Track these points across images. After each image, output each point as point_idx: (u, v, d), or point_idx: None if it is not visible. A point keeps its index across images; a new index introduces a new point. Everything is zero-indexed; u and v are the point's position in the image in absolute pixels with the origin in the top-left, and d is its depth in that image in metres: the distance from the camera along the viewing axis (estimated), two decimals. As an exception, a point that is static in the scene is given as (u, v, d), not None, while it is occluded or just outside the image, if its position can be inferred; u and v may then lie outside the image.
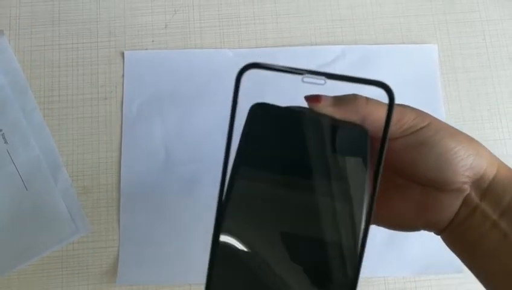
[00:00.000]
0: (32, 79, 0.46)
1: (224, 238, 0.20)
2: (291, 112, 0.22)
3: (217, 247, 0.20)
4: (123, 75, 0.46)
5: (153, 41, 0.47)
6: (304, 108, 0.23)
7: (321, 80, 0.20)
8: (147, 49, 0.47)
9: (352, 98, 0.23)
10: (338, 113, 0.22)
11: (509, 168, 0.23)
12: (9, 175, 0.43)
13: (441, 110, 0.46)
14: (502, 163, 0.24)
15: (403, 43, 0.47)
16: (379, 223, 0.25)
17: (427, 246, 0.43)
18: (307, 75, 0.20)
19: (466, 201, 0.23)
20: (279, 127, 0.21)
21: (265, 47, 0.47)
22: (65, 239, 0.42)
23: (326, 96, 0.23)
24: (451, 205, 0.23)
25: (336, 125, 0.22)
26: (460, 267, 0.42)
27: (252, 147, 0.21)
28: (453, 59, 0.47)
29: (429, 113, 0.24)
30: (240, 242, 0.20)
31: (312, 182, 0.21)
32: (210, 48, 0.47)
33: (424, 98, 0.46)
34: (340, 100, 0.23)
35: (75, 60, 0.46)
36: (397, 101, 0.20)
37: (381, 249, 0.43)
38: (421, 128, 0.23)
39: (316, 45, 0.47)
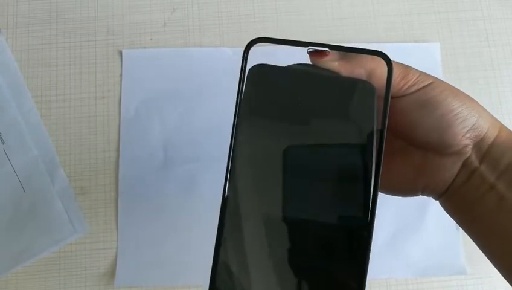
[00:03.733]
0: (30, 78, 0.45)
1: (229, 218, 0.19)
2: (293, 71, 0.21)
3: (222, 235, 0.19)
4: (121, 74, 0.45)
5: (151, 39, 0.46)
6: (306, 65, 0.22)
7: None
8: (145, 47, 0.46)
9: None
10: (343, 68, 0.22)
11: (510, 131, 0.23)
12: (6, 176, 0.43)
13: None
14: (504, 126, 0.24)
15: (405, 41, 0.47)
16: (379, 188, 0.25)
17: (429, 247, 0.42)
18: (311, 47, 0.20)
19: (465, 164, 0.23)
20: (280, 88, 0.21)
21: (266, 45, 0.46)
22: (63, 240, 0.42)
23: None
24: (451, 168, 0.23)
25: (341, 82, 0.21)
26: (462, 268, 0.42)
27: (254, 111, 0.20)
28: (455, 58, 0.47)
29: None
30: (245, 228, 0.20)
31: (318, 144, 0.20)
32: (209, 46, 0.46)
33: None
34: (345, 54, 0.22)
35: (72, 59, 0.46)
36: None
37: (382, 251, 0.42)
38: (425, 86, 0.22)
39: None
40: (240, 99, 0.20)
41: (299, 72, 0.21)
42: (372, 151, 0.19)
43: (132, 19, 0.47)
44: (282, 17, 0.47)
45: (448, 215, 0.25)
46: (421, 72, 0.23)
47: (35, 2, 0.47)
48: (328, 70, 0.21)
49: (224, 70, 0.45)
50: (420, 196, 0.25)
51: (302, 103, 0.20)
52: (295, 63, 0.22)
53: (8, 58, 0.45)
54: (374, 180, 0.19)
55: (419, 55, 0.47)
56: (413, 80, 0.22)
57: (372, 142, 0.20)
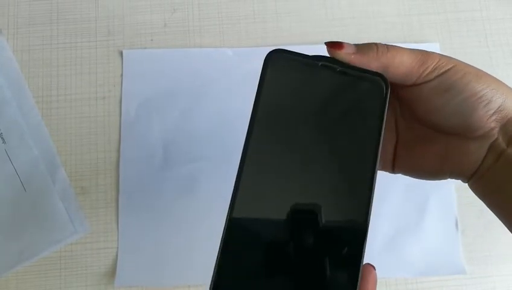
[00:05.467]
0: (30, 78, 0.45)
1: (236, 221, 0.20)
2: (309, 60, 0.22)
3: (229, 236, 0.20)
4: (122, 75, 0.45)
5: (152, 40, 0.47)
6: (322, 56, 0.23)
7: (336, 67, 0.22)
8: (145, 48, 0.46)
9: (374, 46, 0.22)
10: (359, 61, 0.22)
11: None
12: (7, 176, 0.43)
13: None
14: None
15: (405, 42, 0.47)
16: (406, 173, 0.25)
17: (428, 247, 0.42)
18: (323, 62, 0.22)
19: (492, 147, 0.22)
20: (296, 78, 0.22)
21: (266, 46, 0.46)
22: (63, 240, 0.42)
23: (348, 43, 0.22)
24: (477, 152, 0.23)
25: (355, 74, 0.22)
26: (462, 268, 0.42)
27: (269, 102, 0.21)
28: (454, 58, 0.47)
29: None
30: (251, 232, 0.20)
31: (330, 134, 0.21)
32: (209, 46, 0.46)
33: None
34: (362, 48, 0.22)
35: (73, 59, 0.46)
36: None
37: (381, 250, 0.42)
38: (446, 71, 0.22)
39: (317, 44, 0.47)
40: (258, 105, 0.21)
41: (316, 62, 0.22)
42: (379, 143, 0.20)
43: (133, 20, 0.47)
44: (282, 17, 0.47)
45: (478, 198, 0.24)
46: (442, 56, 0.23)
47: (35, 2, 0.47)
48: (344, 62, 0.22)
49: (225, 71, 0.45)
50: (449, 179, 0.25)
51: (316, 95, 0.21)
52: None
53: (8, 59, 0.45)
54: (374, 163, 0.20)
55: (419, 55, 0.47)
56: (432, 65, 0.22)
57: (380, 133, 0.21)
